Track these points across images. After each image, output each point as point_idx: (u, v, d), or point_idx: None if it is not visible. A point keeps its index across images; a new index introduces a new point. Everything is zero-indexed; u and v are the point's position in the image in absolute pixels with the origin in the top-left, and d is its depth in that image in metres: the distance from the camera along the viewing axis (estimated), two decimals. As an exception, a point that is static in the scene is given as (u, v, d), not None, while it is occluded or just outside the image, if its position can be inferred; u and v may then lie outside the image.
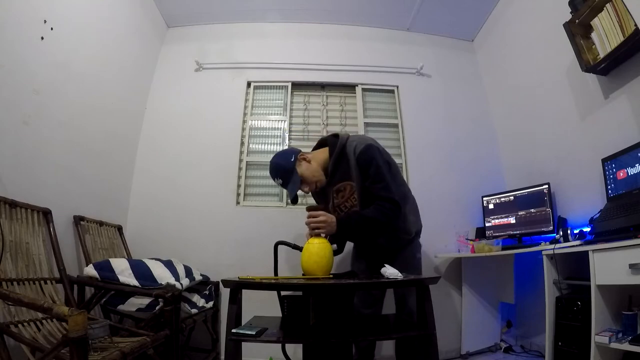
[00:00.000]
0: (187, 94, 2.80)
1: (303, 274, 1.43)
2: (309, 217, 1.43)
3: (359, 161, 1.49)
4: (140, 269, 1.69)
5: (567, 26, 1.86)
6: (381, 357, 2.29)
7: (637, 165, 1.55)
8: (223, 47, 2.93)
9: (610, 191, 1.69)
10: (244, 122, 2.78)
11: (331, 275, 1.39)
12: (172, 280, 1.68)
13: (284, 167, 1.55)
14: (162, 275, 1.69)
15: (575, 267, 1.68)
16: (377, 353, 2.28)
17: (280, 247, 1.63)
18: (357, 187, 1.51)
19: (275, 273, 1.62)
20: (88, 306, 1.64)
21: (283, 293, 1.50)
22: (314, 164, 1.57)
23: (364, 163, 1.48)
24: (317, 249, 1.37)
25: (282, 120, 2.82)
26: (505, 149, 2.80)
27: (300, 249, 1.45)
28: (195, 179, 2.59)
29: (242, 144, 2.71)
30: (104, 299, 1.70)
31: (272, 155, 1.66)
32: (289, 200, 1.64)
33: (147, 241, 2.40)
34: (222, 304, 2.28)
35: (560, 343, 1.65)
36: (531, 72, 2.44)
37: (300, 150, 1.64)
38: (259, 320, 1.44)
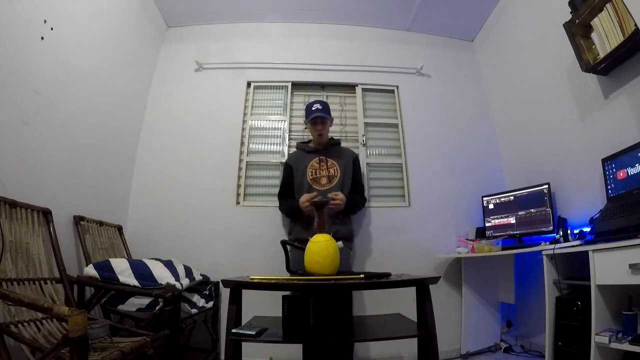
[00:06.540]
0: (187, 94, 2.80)
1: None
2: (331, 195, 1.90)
3: (354, 160, 2.22)
4: (140, 269, 1.69)
5: (567, 26, 1.86)
6: (382, 357, 2.30)
7: (637, 165, 1.55)
8: (223, 47, 2.93)
9: (610, 191, 1.69)
10: (244, 122, 2.78)
11: (328, 275, 1.38)
12: (172, 280, 1.68)
13: (329, 109, 2.22)
14: (162, 275, 1.69)
15: (575, 267, 1.68)
16: (378, 353, 2.29)
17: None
18: (341, 169, 2.14)
19: (288, 269, 1.60)
20: (88, 306, 1.64)
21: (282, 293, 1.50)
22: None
23: (358, 164, 2.25)
24: (319, 249, 1.36)
25: (282, 120, 2.82)
26: (505, 148, 2.80)
27: (303, 249, 1.45)
28: (195, 178, 2.59)
29: (242, 143, 2.71)
30: (104, 299, 1.70)
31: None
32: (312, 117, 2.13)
33: (147, 241, 2.40)
34: (222, 304, 2.28)
35: (560, 343, 1.66)
36: (531, 72, 2.44)
37: None
38: (259, 320, 1.44)
